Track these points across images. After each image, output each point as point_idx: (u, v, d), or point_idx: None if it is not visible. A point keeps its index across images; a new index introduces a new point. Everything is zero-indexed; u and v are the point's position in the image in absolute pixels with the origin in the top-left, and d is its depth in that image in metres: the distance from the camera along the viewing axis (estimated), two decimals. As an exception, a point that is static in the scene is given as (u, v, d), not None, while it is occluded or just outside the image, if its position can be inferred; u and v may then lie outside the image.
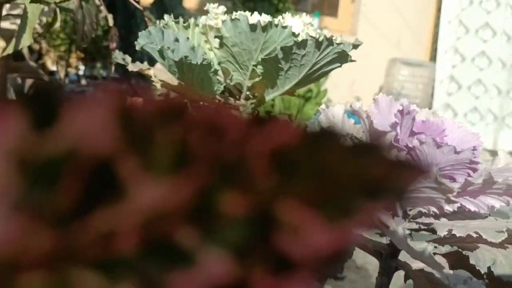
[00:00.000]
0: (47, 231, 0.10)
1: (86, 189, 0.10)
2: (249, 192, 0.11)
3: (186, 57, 0.63)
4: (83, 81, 2.12)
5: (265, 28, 0.63)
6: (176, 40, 0.70)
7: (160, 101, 0.11)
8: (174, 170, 0.11)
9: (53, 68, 2.56)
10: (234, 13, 2.28)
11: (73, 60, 2.27)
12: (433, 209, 0.40)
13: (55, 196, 0.10)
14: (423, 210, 0.42)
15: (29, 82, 1.92)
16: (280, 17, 0.71)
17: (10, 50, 0.88)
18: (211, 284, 0.10)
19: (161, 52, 0.65)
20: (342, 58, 0.67)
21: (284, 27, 0.64)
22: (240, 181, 0.11)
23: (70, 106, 0.11)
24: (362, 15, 3.64)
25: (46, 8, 0.90)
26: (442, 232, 0.40)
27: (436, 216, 0.46)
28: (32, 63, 2.13)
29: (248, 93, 0.73)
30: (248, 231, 0.11)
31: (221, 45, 0.66)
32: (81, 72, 2.29)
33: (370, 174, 0.11)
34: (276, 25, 0.63)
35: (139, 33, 0.67)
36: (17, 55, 2.19)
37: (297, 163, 0.11)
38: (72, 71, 2.29)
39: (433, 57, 3.68)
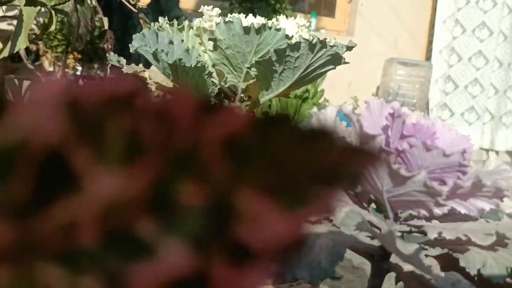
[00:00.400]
0: (5, 224, 0.10)
1: (40, 181, 0.10)
2: (205, 181, 0.11)
3: (180, 59, 0.63)
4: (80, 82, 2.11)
5: (259, 30, 0.63)
6: (171, 42, 0.70)
7: (111, 90, 0.11)
8: (128, 160, 0.10)
9: (50, 69, 2.56)
10: (230, 14, 2.29)
11: (70, 61, 2.27)
12: (423, 212, 0.41)
13: (9, 188, 0.10)
14: (414, 213, 0.42)
15: (26, 83, 1.92)
16: (274, 19, 0.71)
17: (6, 53, 0.88)
18: (171, 275, 0.10)
19: (155, 54, 0.65)
20: (336, 60, 0.67)
21: (278, 30, 0.64)
22: (195, 170, 0.11)
23: (18, 100, 0.10)
24: (359, 15, 3.64)
25: (43, 9, 0.90)
26: (432, 235, 0.41)
27: (428, 218, 0.46)
28: (30, 64, 2.13)
29: (242, 95, 0.73)
30: (206, 221, 0.10)
31: (215, 47, 0.67)
32: (78, 73, 2.29)
33: (324, 161, 0.11)
34: (270, 28, 0.64)
35: (133, 36, 0.67)
36: (14, 56, 2.20)
37: (251, 150, 0.11)
38: (69, 72, 2.29)
39: (430, 57, 3.68)
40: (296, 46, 0.62)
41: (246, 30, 0.63)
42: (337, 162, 0.11)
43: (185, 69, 0.65)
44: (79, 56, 2.20)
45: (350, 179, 0.11)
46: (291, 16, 2.54)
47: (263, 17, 2.44)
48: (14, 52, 0.88)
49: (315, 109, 0.47)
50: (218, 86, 0.72)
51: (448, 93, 3.72)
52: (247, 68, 0.66)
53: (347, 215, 0.44)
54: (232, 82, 0.71)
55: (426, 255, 0.48)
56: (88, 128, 0.10)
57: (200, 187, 0.10)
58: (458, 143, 0.46)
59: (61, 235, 0.10)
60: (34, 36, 1.62)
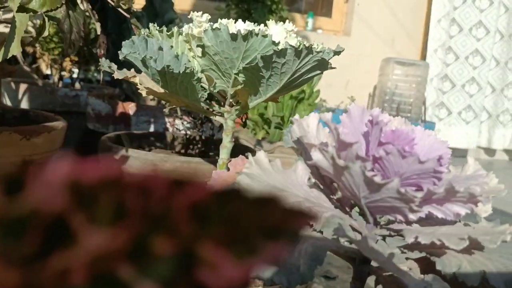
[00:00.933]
0: (15, 271, 0.13)
1: (47, 238, 0.14)
2: (174, 236, 0.14)
3: (168, 66, 0.64)
4: (77, 85, 2.13)
5: (246, 37, 0.64)
6: (160, 48, 0.71)
7: (103, 172, 0.14)
8: (114, 222, 0.14)
9: (47, 71, 2.57)
10: (226, 15, 2.34)
11: (67, 64, 2.28)
12: (400, 217, 0.42)
13: (22, 244, 0.13)
14: (392, 218, 0.43)
15: (23, 86, 1.93)
16: (262, 25, 0.72)
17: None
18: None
19: (143, 61, 0.66)
20: (323, 65, 0.68)
21: (265, 36, 0.65)
22: (167, 228, 0.14)
23: (34, 177, 0.14)
24: (356, 15, 3.65)
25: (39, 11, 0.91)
26: (409, 239, 0.42)
27: (408, 222, 0.47)
28: (26, 67, 2.14)
29: (231, 100, 0.74)
30: (174, 267, 0.14)
31: (204, 53, 0.68)
32: (75, 76, 2.30)
33: (270, 221, 0.14)
34: (257, 34, 0.65)
35: (123, 43, 0.68)
36: (11, 58, 2.19)
37: (211, 213, 0.14)
38: (66, 74, 2.30)
39: (425, 56, 3.69)
40: (282, 53, 0.63)
41: (233, 37, 0.64)
42: (279, 222, 0.14)
43: (174, 76, 0.66)
44: (76, 59, 2.21)
45: (291, 236, 0.14)
46: (286, 17, 2.57)
47: (259, 18, 2.47)
48: (8, 57, 0.89)
49: (297, 116, 0.48)
50: (208, 91, 0.74)
51: (445, 92, 3.73)
52: (235, 74, 0.67)
53: (328, 220, 0.45)
54: (221, 87, 0.72)
55: (407, 258, 0.50)
56: (85, 200, 0.14)
57: (170, 241, 0.14)
58: (436, 149, 0.47)
59: (58, 278, 0.13)
60: (30, 40, 1.62)
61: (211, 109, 0.78)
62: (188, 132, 1.37)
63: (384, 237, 0.48)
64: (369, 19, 3.66)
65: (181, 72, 0.65)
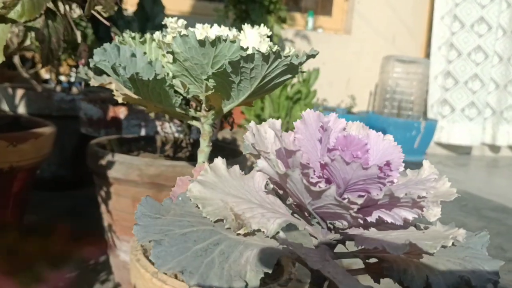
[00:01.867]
0: None
1: None
2: None
3: (137, 73, 0.65)
4: (74, 89, 2.14)
5: (214, 43, 0.65)
6: (133, 55, 0.72)
7: None
8: None
9: (46, 76, 2.59)
10: (225, 16, 2.32)
11: (65, 68, 2.30)
12: (345, 222, 0.42)
13: None
14: (343, 223, 0.44)
15: (20, 91, 1.95)
16: (234, 30, 0.73)
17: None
18: None
19: (114, 69, 0.67)
20: (292, 70, 0.68)
21: (233, 42, 0.65)
22: None
23: None
24: (356, 13, 3.64)
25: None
26: (357, 245, 0.42)
27: (366, 226, 0.47)
28: (24, 72, 2.16)
29: (205, 105, 0.75)
30: None
31: (174, 60, 0.68)
32: (72, 79, 2.31)
33: (54, 250, 0.14)
34: (225, 40, 0.65)
35: (94, 51, 0.69)
36: (11, 64, 2.22)
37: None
38: (64, 79, 2.31)
39: (429, 53, 3.67)
40: (250, 58, 0.63)
41: (201, 43, 0.65)
42: (64, 250, 0.15)
43: (144, 82, 0.67)
44: (74, 63, 2.22)
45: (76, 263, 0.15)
46: (284, 17, 2.55)
47: (257, 18, 2.47)
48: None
49: (252, 122, 0.48)
50: (181, 97, 0.74)
51: (448, 89, 3.71)
52: (205, 79, 0.67)
53: (279, 225, 0.45)
54: (195, 92, 0.73)
55: (367, 262, 0.50)
56: None
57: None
58: (390, 153, 0.47)
59: None
60: (30, 43, 1.63)
61: (187, 114, 0.78)
62: (177, 135, 1.38)
63: (337, 242, 0.48)
64: (370, 17, 3.65)
65: (150, 79, 0.66)
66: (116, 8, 0.94)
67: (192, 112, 0.78)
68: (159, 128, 1.40)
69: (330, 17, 3.74)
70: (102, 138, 1.24)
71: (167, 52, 0.68)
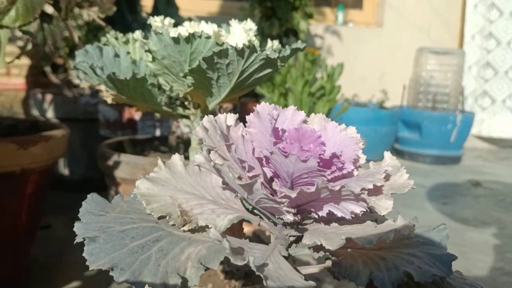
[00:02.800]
0: None
1: None
2: None
3: (114, 73, 0.65)
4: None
5: (188, 39, 0.64)
6: (116, 55, 0.72)
7: None
8: None
9: (77, 81, 2.66)
10: (251, 14, 2.32)
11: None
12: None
13: None
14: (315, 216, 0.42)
15: (48, 96, 2.01)
16: (214, 25, 0.72)
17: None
18: None
19: (93, 69, 0.67)
20: (271, 64, 0.67)
21: (208, 38, 0.65)
22: None
23: None
24: (388, 5, 3.55)
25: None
26: (304, 240, 0.41)
27: (328, 221, 0.46)
28: (55, 79, 2.23)
29: (192, 103, 0.75)
30: None
31: (154, 58, 0.68)
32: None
33: None
34: (200, 36, 0.65)
35: (76, 52, 0.70)
36: (44, 71, 2.29)
37: None
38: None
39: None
40: (223, 53, 0.63)
41: (176, 40, 0.64)
42: None
43: (123, 82, 0.67)
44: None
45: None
46: (311, 13, 2.52)
47: (283, 15, 2.46)
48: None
49: (211, 116, 0.48)
50: (165, 95, 0.74)
51: (488, 79, 3.57)
52: (182, 77, 0.67)
53: (230, 221, 0.44)
54: (178, 90, 0.73)
55: (328, 258, 0.48)
56: None
57: None
58: (346, 145, 0.45)
59: None
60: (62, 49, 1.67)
61: (175, 112, 0.78)
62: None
63: (295, 238, 0.46)
64: (402, 9, 3.56)
65: (128, 78, 0.66)
66: (114, 9, 0.95)
67: (180, 110, 0.78)
68: (173, 128, 1.41)
69: (361, 10, 3.67)
70: (112, 139, 1.26)
71: (145, 51, 0.68)
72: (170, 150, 1.34)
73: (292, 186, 0.43)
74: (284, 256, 0.46)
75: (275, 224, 0.46)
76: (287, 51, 0.71)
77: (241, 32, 0.76)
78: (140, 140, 1.31)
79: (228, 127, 0.44)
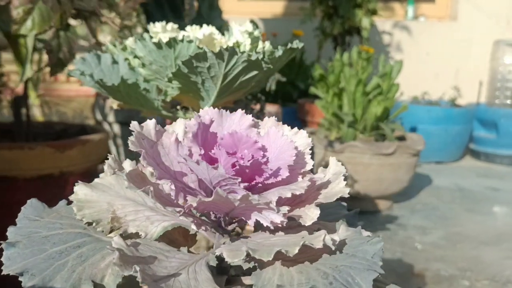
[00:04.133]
0: None
1: None
2: None
3: (101, 80, 0.67)
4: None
5: (170, 44, 0.64)
6: (114, 62, 0.74)
7: None
8: None
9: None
10: (316, 11, 2.30)
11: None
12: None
13: None
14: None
15: (108, 102, 2.11)
16: (199, 28, 0.72)
17: (18, 84, 1.00)
18: None
19: (91, 76, 0.69)
20: (255, 66, 0.65)
21: (190, 42, 0.65)
22: None
23: None
24: (463, -3, 3.35)
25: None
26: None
27: (273, 231, 0.44)
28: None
29: (178, 107, 0.75)
30: None
31: (143, 64, 0.69)
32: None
33: None
34: (182, 41, 0.64)
35: (74, 60, 0.72)
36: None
37: None
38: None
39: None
40: (201, 56, 0.62)
41: (158, 45, 0.65)
42: None
43: (113, 88, 0.69)
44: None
45: None
46: (374, 9, 2.44)
47: (346, 13, 2.41)
48: (23, 81, 1.00)
49: (134, 123, 0.47)
50: (160, 100, 0.75)
51: None
52: (167, 81, 0.67)
53: (164, 228, 0.44)
54: (172, 94, 0.73)
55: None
56: None
57: None
58: (285, 150, 0.43)
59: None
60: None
61: (177, 116, 0.79)
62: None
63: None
64: (478, 0, 3.34)
65: (116, 84, 0.67)
66: (134, 15, 0.98)
67: (180, 114, 0.78)
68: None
69: (433, 3, 3.49)
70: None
71: (134, 57, 0.69)
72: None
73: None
74: (223, 267, 0.45)
75: (217, 232, 0.45)
76: (279, 52, 0.69)
77: (239, 35, 0.75)
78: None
79: (160, 133, 0.43)
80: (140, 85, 0.70)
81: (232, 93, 0.71)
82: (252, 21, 2.53)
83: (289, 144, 0.43)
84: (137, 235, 0.43)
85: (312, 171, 0.45)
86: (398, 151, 1.87)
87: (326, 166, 0.47)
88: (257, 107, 1.30)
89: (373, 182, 1.89)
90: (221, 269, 0.45)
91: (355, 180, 1.88)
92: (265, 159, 0.41)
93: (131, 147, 0.39)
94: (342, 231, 0.42)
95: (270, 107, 1.75)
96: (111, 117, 2.08)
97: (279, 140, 0.44)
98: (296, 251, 0.35)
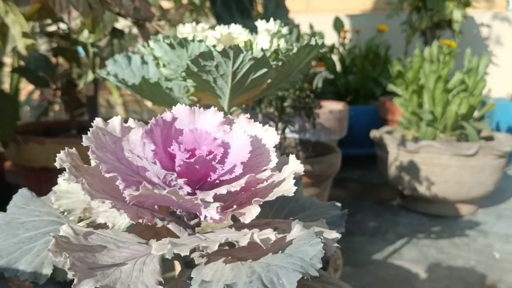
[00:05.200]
0: None
1: None
2: None
3: (123, 79, 0.71)
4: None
5: (181, 44, 0.67)
6: (144, 62, 0.78)
7: None
8: None
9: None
10: (404, 4, 2.26)
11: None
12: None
13: None
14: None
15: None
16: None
17: (84, 87, 1.08)
18: None
19: (116, 78, 0.74)
20: (263, 64, 0.65)
21: (200, 41, 0.66)
22: None
23: None
24: None
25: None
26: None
27: (242, 227, 0.44)
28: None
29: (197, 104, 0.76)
30: None
31: (163, 64, 0.72)
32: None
33: None
34: (193, 40, 0.66)
35: (106, 62, 0.77)
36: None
37: None
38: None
39: None
40: (207, 55, 0.64)
41: (171, 45, 0.67)
42: None
43: (136, 87, 0.73)
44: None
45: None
46: (466, 1, 2.33)
47: (434, 6, 2.33)
48: (85, 84, 1.08)
49: (97, 119, 0.49)
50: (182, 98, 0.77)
51: None
52: (181, 80, 0.69)
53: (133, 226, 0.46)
54: (190, 92, 0.75)
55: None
56: None
57: None
58: (240, 149, 0.43)
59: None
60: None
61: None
62: (295, 136, 1.40)
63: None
64: None
65: (137, 83, 0.71)
66: (151, 16, 1.02)
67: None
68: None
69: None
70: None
71: (153, 59, 0.72)
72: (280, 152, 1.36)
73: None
74: (187, 261, 0.46)
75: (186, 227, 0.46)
76: (294, 49, 0.68)
77: (263, 34, 0.76)
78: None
79: (127, 129, 0.45)
80: (162, 84, 0.73)
81: (246, 90, 0.71)
82: (337, 18, 2.51)
83: (246, 141, 0.43)
84: (104, 225, 0.46)
85: (276, 168, 0.45)
86: (481, 152, 1.74)
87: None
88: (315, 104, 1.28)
89: (453, 185, 1.78)
90: (187, 263, 0.46)
91: (432, 182, 1.78)
92: (220, 156, 0.42)
93: (84, 142, 0.41)
94: (295, 231, 0.41)
95: (334, 105, 1.71)
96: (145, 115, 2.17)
97: (241, 137, 0.44)
98: (216, 247, 0.35)
